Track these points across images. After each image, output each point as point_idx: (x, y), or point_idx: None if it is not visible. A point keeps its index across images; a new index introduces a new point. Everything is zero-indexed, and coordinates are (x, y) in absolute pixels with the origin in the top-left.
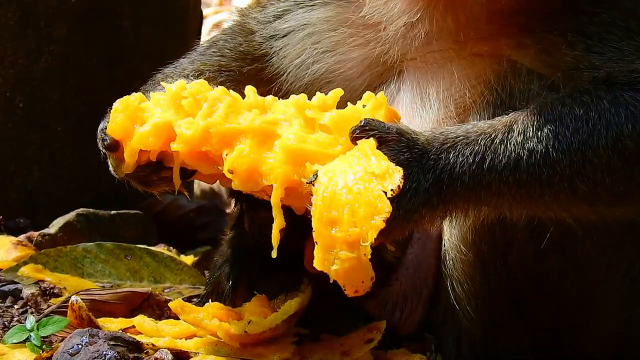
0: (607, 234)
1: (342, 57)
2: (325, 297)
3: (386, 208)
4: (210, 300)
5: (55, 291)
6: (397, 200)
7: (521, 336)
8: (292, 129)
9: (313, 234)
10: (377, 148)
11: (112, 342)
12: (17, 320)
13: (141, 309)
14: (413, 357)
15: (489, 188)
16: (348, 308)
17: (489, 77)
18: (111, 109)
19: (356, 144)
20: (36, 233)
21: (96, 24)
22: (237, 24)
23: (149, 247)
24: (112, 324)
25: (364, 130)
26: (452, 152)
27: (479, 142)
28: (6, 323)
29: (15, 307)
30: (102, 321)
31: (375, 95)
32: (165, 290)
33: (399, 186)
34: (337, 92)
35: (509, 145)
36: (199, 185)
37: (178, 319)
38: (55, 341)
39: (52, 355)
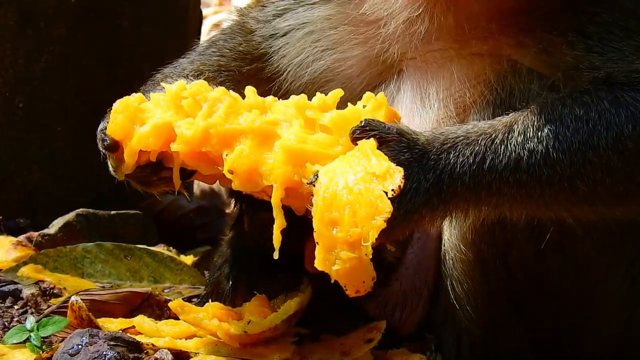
0: (607, 234)
1: (342, 55)
2: (325, 297)
3: (387, 208)
4: (210, 300)
5: (55, 291)
6: (398, 200)
7: (521, 336)
8: (292, 129)
9: (314, 234)
10: (378, 148)
11: (112, 343)
12: (17, 321)
13: (141, 309)
14: (413, 357)
15: (489, 188)
16: (348, 308)
17: (489, 76)
18: (111, 109)
19: (356, 144)
20: (36, 233)
21: (96, 24)
22: (236, 23)
23: (148, 247)
24: (112, 324)
25: (364, 130)
26: (453, 153)
27: (479, 142)
28: (6, 323)
29: (15, 307)
30: (102, 321)
31: (375, 95)
32: (165, 290)
33: (399, 186)
34: (337, 93)
35: (509, 145)
36: (198, 186)
37: (178, 319)
38: (55, 341)
39: (52, 356)
